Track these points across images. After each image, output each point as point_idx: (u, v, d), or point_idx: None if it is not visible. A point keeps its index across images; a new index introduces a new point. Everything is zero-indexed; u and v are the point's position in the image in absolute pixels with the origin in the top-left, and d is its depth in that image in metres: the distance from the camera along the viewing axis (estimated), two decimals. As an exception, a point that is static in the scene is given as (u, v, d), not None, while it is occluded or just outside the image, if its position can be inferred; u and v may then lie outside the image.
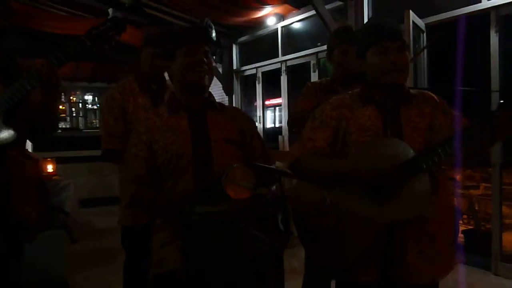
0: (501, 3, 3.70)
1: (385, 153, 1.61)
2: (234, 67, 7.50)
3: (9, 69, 1.86)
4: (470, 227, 5.05)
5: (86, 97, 11.18)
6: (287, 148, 6.31)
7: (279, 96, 6.75)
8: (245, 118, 1.93)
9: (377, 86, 1.71)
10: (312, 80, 5.87)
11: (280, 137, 6.53)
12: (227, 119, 1.81)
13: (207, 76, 1.74)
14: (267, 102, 8.56)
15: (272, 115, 13.77)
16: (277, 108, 12.93)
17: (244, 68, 7.41)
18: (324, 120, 1.76)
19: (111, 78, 9.63)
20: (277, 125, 13.10)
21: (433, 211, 1.60)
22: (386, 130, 1.68)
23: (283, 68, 6.49)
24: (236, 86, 7.53)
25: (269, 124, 11.76)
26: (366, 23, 1.88)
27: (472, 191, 5.35)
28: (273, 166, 1.68)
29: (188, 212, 1.46)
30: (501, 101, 1.47)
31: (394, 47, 1.65)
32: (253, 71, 7.17)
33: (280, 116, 10.99)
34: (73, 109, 10.97)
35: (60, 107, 10.25)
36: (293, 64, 6.39)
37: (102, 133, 2.41)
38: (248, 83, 7.50)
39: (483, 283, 3.70)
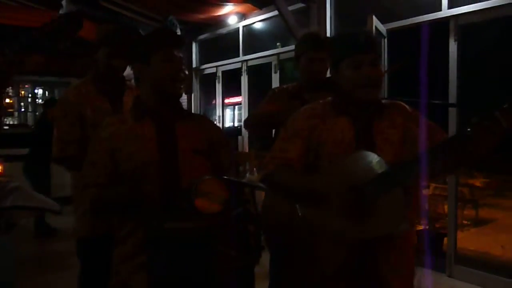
0: (461, 12, 3.79)
1: (358, 168, 1.57)
2: (194, 65, 7.36)
3: None
4: (420, 227, 5.16)
5: (36, 91, 10.65)
6: (246, 149, 6.27)
7: (239, 94, 6.68)
8: (213, 127, 1.86)
9: (350, 99, 1.67)
10: (273, 82, 5.87)
11: (240, 137, 6.47)
12: (195, 128, 1.73)
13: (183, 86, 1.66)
14: (226, 101, 8.48)
15: (231, 114, 13.72)
16: (236, 106, 12.90)
17: (204, 66, 7.28)
18: (296, 131, 1.71)
19: (64, 72, 9.21)
20: (236, 124, 13.07)
21: (407, 226, 1.58)
22: (359, 142, 1.64)
23: (244, 68, 6.42)
24: (195, 85, 7.39)
25: (228, 123, 11.69)
26: (340, 33, 1.83)
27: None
28: (244, 180, 1.61)
29: (156, 227, 1.37)
30: (474, 118, 1.45)
31: (368, 61, 1.61)
32: (213, 69, 7.05)
33: (240, 115, 10.95)
34: (22, 103, 10.43)
35: (7, 100, 9.73)
36: (254, 64, 6.33)
37: (54, 139, 2.25)
38: (208, 81, 7.37)
39: (438, 285, 3.77)
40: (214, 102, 7.35)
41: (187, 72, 1.69)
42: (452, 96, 3.84)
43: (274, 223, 1.75)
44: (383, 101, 1.74)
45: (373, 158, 1.59)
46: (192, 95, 7.30)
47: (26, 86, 10.52)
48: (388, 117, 1.68)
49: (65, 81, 8.61)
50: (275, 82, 5.86)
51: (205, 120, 1.84)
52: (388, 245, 1.60)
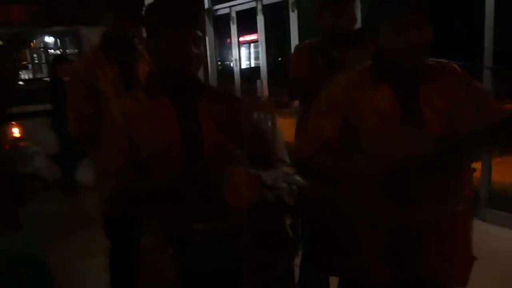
0: None
1: (403, 147, 1.41)
2: (206, 6, 6.98)
3: None
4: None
5: (47, 39, 10.38)
6: (266, 94, 6.05)
7: (254, 31, 6.33)
8: (235, 103, 1.64)
9: (392, 64, 1.48)
10: (291, 21, 5.54)
11: (258, 81, 6.22)
12: (217, 105, 1.56)
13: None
14: (241, 39, 8.16)
15: (247, 52, 13.20)
16: (252, 44, 12.40)
17: (216, 7, 6.89)
18: (332, 104, 1.55)
19: (72, 19, 8.88)
20: (253, 64, 12.61)
21: (462, 208, 1.44)
22: (404, 114, 1.47)
23: (259, 7, 6.04)
24: (209, 27, 7.06)
25: (244, 63, 11.32)
26: None
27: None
28: (280, 173, 1.46)
29: (187, 228, 1.27)
30: None
31: (412, 23, 1.39)
32: (227, 10, 6.67)
33: (257, 52, 10.51)
34: (35, 55, 10.23)
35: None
36: (270, 2, 5.94)
37: (70, 116, 2.13)
38: (221, 23, 7.02)
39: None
40: (228, 41, 7.03)
41: (201, 50, 1.49)
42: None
43: (312, 201, 1.63)
44: (430, 62, 1.54)
45: (421, 136, 1.43)
46: (206, 39, 6.98)
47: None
48: (436, 82, 1.49)
49: (73, 30, 8.32)
50: (293, 22, 5.53)
51: (225, 94, 1.66)
52: (437, 230, 1.47)
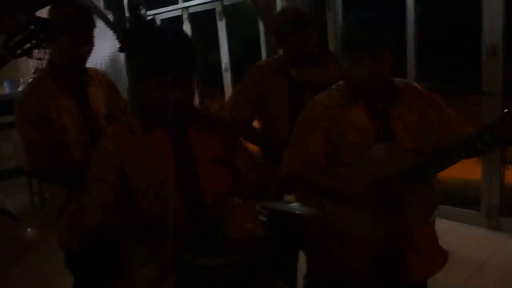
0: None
1: (383, 161, 1.52)
2: (128, 15, 6.75)
3: None
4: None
5: None
6: (196, 103, 6.02)
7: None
8: (227, 130, 1.67)
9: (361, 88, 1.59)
10: (219, 29, 5.55)
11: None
12: (209, 134, 1.55)
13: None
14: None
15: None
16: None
17: (139, 15, 6.69)
18: (315, 123, 1.63)
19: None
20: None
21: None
22: (378, 131, 1.58)
23: (185, 15, 5.99)
24: (132, 36, 6.84)
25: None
26: (342, 25, 1.69)
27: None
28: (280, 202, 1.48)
29: (192, 264, 1.25)
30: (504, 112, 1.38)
31: (368, 57, 1.48)
32: (151, 18, 6.50)
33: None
34: None
35: None
36: (196, 11, 5.91)
37: (24, 150, 1.96)
38: (145, 31, 6.83)
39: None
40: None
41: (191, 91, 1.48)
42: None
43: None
44: (397, 82, 1.66)
45: (397, 149, 1.55)
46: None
47: None
48: (404, 100, 1.61)
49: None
50: (222, 30, 5.55)
51: (217, 122, 1.66)
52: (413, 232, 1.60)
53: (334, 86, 1.68)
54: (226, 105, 2.57)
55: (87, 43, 1.98)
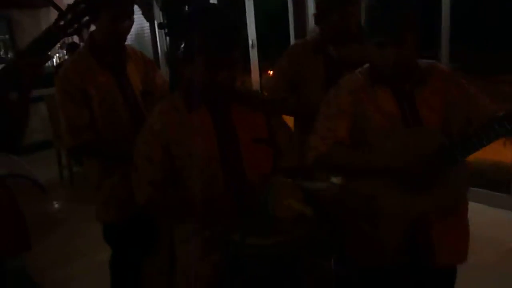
0: None
1: (415, 142, 1.52)
2: (153, -10, 6.72)
3: None
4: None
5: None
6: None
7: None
8: (270, 108, 1.67)
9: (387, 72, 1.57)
10: (246, 5, 5.47)
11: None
12: (253, 112, 1.56)
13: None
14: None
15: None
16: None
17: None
18: (341, 107, 1.62)
19: (2, 2, 8.17)
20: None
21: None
22: (404, 113, 1.57)
23: None
24: (158, 11, 6.81)
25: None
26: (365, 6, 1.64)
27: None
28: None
29: (240, 244, 1.27)
30: None
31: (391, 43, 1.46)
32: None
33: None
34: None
35: None
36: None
37: (63, 127, 2.00)
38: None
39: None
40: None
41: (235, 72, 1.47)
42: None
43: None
44: (421, 64, 1.63)
45: (428, 131, 1.55)
46: (155, 23, 6.74)
47: None
48: (429, 83, 1.59)
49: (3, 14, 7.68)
50: (249, 6, 5.48)
51: (259, 100, 1.66)
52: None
53: (359, 69, 1.67)
54: (263, 85, 2.55)
55: (127, 19, 1.98)
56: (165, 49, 6.63)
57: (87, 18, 1.40)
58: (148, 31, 6.64)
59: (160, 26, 2.18)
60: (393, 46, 1.46)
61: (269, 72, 5.54)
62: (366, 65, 1.67)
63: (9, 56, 7.60)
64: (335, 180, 1.62)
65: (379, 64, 1.54)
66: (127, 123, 2.02)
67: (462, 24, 3.81)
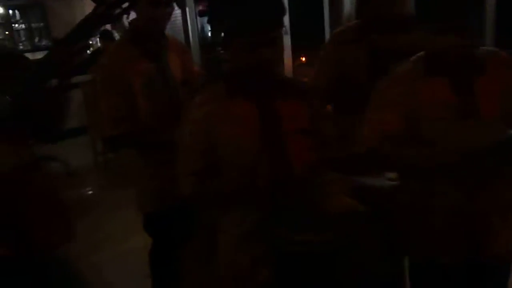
0: None
1: (473, 134, 1.46)
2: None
3: None
4: None
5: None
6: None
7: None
8: (312, 97, 1.62)
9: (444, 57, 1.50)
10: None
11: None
12: (297, 103, 1.51)
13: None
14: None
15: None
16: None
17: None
18: (390, 99, 1.56)
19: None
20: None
21: None
22: (461, 103, 1.50)
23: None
24: (189, -2, 6.79)
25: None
26: None
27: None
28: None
29: (288, 241, 1.23)
30: None
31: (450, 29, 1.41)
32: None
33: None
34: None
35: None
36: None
37: (104, 115, 1.99)
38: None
39: None
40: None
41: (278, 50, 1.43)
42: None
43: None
44: (480, 51, 1.55)
45: (486, 124, 1.48)
46: (187, 10, 6.72)
47: None
48: (488, 71, 1.51)
49: (38, 1, 7.79)
50: None
51: (303, 89, 1.61)
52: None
53: (411, 58, 1.60)
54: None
55: (167, 5, 1.96)
56: (197, 37, 6.64)
57: (126, 4, 1.37)
58: (180, 18, 6.62)
59: (201, 13, 2.15)
60: (454, 32, 1.40)
61: (301, 58, 5.46)
62: (421, 53, 1.59)
63: (43, 43, 7.76)
64: (390, 175, 1.55)
65: (438, 52, 1.47)
66: (168, 111, 2.00)
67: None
